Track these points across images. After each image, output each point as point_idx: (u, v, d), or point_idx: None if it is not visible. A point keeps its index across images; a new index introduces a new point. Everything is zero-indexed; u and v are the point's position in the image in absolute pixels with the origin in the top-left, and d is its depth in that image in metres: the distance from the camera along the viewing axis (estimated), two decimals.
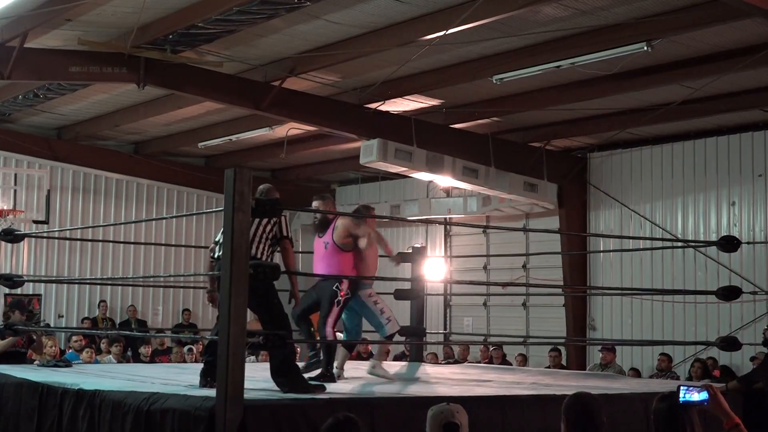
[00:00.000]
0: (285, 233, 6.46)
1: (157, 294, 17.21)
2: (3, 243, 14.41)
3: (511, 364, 12.97)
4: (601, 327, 14.35)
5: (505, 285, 14.12)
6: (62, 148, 16.23)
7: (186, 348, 13.03)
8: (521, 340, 13.96)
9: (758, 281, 12.50)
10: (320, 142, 15.21)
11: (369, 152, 12.77)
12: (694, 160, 13.56)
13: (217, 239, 6.42)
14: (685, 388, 3.74)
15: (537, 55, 10.58)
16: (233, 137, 15.09)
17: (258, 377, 6.47)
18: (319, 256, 7.61)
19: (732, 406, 3.93)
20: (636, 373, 12.51)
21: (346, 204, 17.47)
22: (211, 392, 5.29)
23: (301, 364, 7.06)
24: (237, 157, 16.94)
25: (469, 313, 16.43)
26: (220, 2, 9.42)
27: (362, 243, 7.47)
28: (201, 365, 6.66)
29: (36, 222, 15.01)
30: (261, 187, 6.66)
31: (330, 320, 7.42)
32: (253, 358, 11.35)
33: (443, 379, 8.22)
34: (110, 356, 12.47)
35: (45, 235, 15.28)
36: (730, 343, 7.40)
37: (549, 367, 12.66)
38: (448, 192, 16.28)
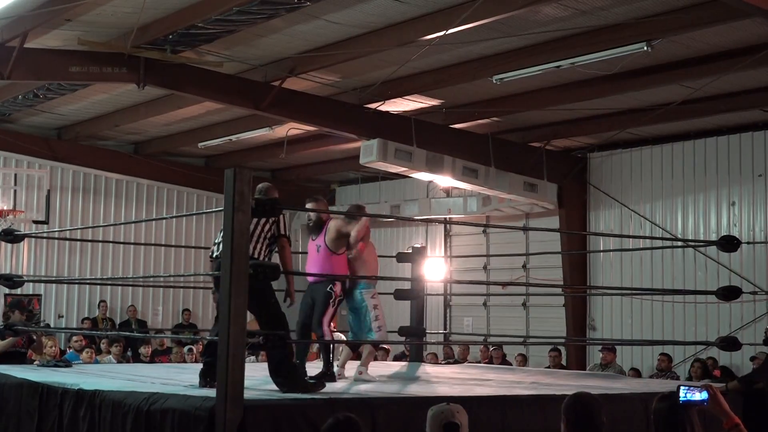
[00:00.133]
0: (282, 231, 6.46)
1: (157, 294, 17.21)
2: (3, 243, 14.40)
3: (511, 364, 12.97)
4: (601, 327, 14.35)
5: (505, 285, 14.13)
6: (62, 148, 16.23)
7: (186, 348, 13.03)
8: (521, 340, 13.95)
9: (758, 281, 12.50)
10: (320, 142, 15.21)
11: (369, 152, 12.77)
12: (694, 160, 13.56)
13: (217, 240, 6.43)
14: (685, 388, 3.74)
15: (537, 55, 10.58)
16: (233, 137, 15.09)
17: (258, 377, 6.48)
18: (312, 259, 7.65)
19: (732, 407, 3.93)
20: (636, 373, 12.51)
21: (346, 204, 17.47)
22: (211, 392, 5.29)
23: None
24: (237, 157, 16.94)
25: (469, 313, 16.43)
26: (220, 2, 9.42)
27: (353, 238, 7.48)
28: (201, 365, 6.66)
29: (36, 222, 15.01)
30: (260, 186, 6.67)
31: (326, 319, 7.48)
32: (252, 358, 11.36)
33: (443, 379, 8.22)
34: (110, 356, 12.48)
35: (45, 235, 15.29)
36: (730, 343, 7.40)
37: (549, 367, 12.67)
38: (448, 192, 16.28)
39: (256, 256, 6.21)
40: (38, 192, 15.65)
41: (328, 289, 7.46)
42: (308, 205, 7.72)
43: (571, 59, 10.32)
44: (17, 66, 10.81)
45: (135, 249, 16.80)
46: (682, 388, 3.74)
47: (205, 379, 6.23)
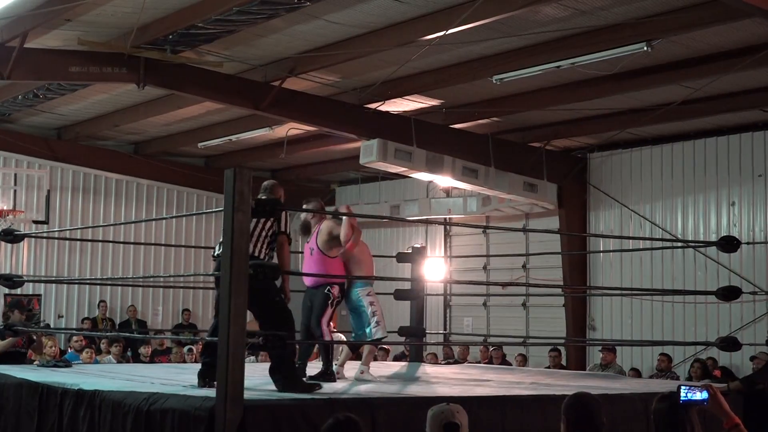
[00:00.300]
0: (282, 228, 6.46)
1: (157, 294, 17.21)
2: (3, 243, 14.40)
3: (510, 365, 12.97)
4: (601, 327, 14.34)
5: (505, 285, 14.13)
6: (62, 148, 16.23)
7: (186, 348, 13.03)
8: (521, 340, 13.95)
9: (758, 281, 12.49)
10: (320, 142, 15.20)
11: (369, 152, 12.76)
12: (694, 160, 13.56)
13: (222, 239, 6.44)
14: (686, 387, 3.74)
15: (537, 55, 10.57)
16: (233, 137, 15.08)
17: (258, 377, 6.48)
18: (306, 262, 7.68)
19: (732, 407, 3.93)
20: (636, 373, 12.51)
21: (344, 204, 17.47)
22: (211, 392, 5.29)
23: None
24: (237, 157, 16.94)
25: (469, 314, 16.43)
26: (220, 2, 9.42)
27: (341, 238, 7.48)
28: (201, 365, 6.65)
29: (36, 222, 15.01)
30: (265, 183, 6.72)
31: (324, 320, 7.50)
32: (252, 358, 11.36)
33: (443, 379, 8.22)
34: (110, 356, 12.49)
35: (45, 235, 15.28)
36: (729, 344, 7.40)
37: (549, 367, 12.67)
38: (448, 192, 16.28)
39: (257, 255, 6.22)
40: (38, 192, 15.65)
41: (325, 291, 7.48)
42: (304, 207, 7.74)
43: (571, 59, 10.31)
44: (17, 66, 10.81)
45: (135, 249, 16.80)
46: (682, 387, 3.74)
47: (204, 379, 6.22)
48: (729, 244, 7.53)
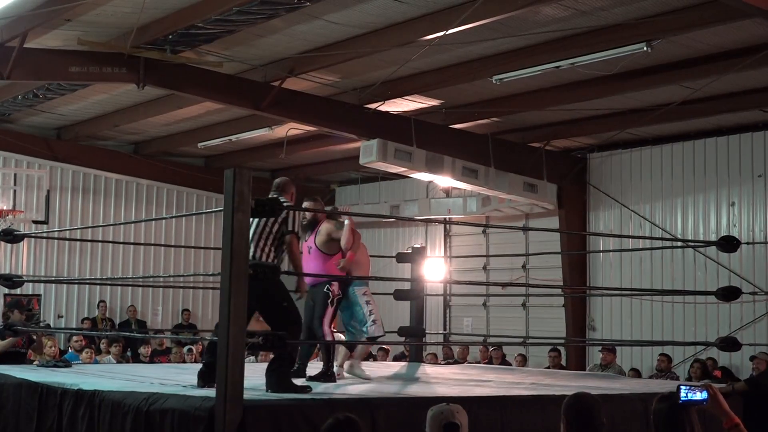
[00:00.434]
0: (291, 228, 6.47)
1: (156, 294, 17.20)
2: (3, 243, 14.40)
3: (510, 365, 12.97)
4: (601, 327, 14.34)
5: (504, 285, 14.12)
6: (62, 148, 16.22)
7: (186, 348, 13.03)
8: (521, 340, 13.95)
9: (758, 281, 12.49)
10: (320, 142, 15.20)
11: (369, 152, 12.76)
12: (694, 161, 13.55)
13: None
14: (686, 387, 3.74)
15: (537, 55, 10.57)
16: (233, 137, 15.08)
17: (258, 377, 6.47)
18: (304, 260, 7.69)
19: (732, 407, 3.93)
20: (636, 373, 12.51)
21: (346, 204, 17.47)
22: (211, 392, 5.28)
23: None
24: (237, 157, 16.94)
25: (468, 314, 16.43)
26: (220, 2, 9.42)
27: (343, 246, 7.54)
28: (201, 365, 6.65)
29: (36, 222, 15.02)
30: (277, 180, 6.84)
31: (326, 320, 7.51)
32: (252, 358, 11.35)
33: (443, 379, 8.22)
34: (110, 356, 12.49)
35: (45, 235, 15.29)
36: (729, 344, 7.39)
37: (549, 367, 12.67)
38: (447, 192, 16.28)
39: (264, 255, 6.24)
40: (38, 192, 15.65)
41: (325, 289, 7.50)
42: (305, 204, 7.75)
43: (571, 59, 10.31)
44: (17, 66, 10.81)
45: (135, 249, 16.80)
46: (682, 387, 3.74)
47: (203, 379, 6.22)
48: (729, 244, 7.52)
